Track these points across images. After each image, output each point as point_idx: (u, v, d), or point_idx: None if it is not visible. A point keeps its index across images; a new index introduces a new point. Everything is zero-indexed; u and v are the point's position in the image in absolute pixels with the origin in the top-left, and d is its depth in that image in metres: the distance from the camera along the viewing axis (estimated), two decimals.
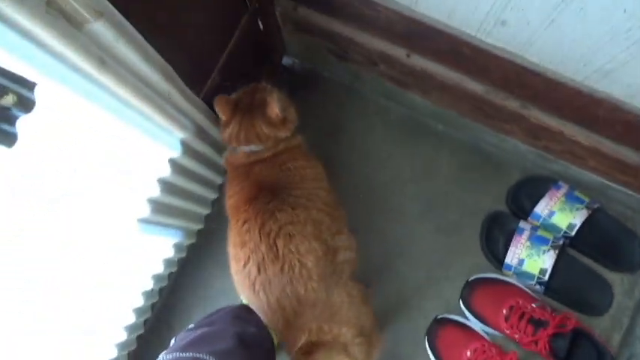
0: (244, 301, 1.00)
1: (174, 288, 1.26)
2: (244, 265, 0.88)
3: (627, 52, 0.73)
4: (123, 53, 0.63)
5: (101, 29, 0.57)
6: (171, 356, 0.62)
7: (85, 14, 0.54)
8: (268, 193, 0.92)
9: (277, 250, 0.85)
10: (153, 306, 1.21)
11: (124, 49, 0.62)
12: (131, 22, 0.63)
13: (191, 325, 0.74)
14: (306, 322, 0.84)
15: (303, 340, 0.83)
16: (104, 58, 0.60)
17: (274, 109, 0.95)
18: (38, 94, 0.55)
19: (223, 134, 1.01)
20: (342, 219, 0.99)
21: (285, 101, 1.01)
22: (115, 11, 0.58)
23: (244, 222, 0.90)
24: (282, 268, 0.84)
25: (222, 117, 0.99)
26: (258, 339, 0.73)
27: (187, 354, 0.62)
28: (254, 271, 0.86)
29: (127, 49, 0.63)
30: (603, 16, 0.68)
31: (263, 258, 0.85)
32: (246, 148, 0.99)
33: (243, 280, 0.89)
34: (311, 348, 0.83)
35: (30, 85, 0.53)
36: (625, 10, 0.65)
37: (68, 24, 0.53)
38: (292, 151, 1.01)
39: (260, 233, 0.86)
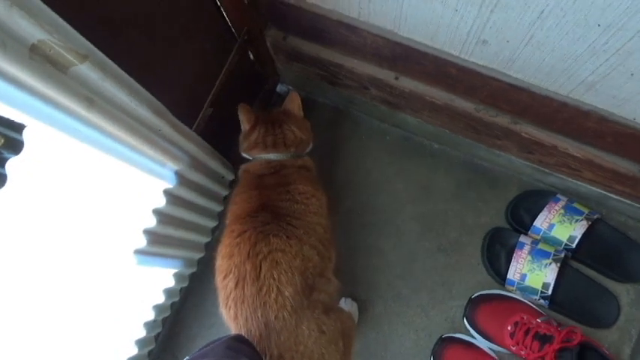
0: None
1: (177, 318, 1.26)
2: (224, 277, 0.89)
3: (607, 64, 0.73)
4: (110, 92, 0.65)
5: (86, 71, 0.59)
6: None
7: (70, 58, 0.56)
8: (269, 215, 0.92)
9: (260, 272, 0.85)
10: (157, 337, 1.21)
11: (110, 89, 0.65)
12: (117, 62, 0.66)
13: (186, 358, 0.74)
14: (267, 346, 0.83)
15: None
16: (92, 98, 0.62)
17: (296, 101, 1.08)
18: (27, 136, 0.56)
19: (246, 142, 1.06)
20: (330, 261, 0.99)
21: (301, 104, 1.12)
22: (100, 53, 0.61)
23: (238, 235, 0.90)
24: (259, 290, 0.85)
25: (246, 124, 1.06)
26: None
27: None
28: (232, 284, 0.87)
29: (114, 88, 0.65)
30: (579, 31, 0.69)
31: (245, 275, 0.86)
32: (266, 156, 1.03)
33: (220, 292, 0.90)
34: None
35: (18, 128, 0.55)
36: (599, 25, 0.67)
37: (53, 68, 0.55)
38: (303, 171, 1.04)
39: (249, 251, 0.87)
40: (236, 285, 0.87)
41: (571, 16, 0.67)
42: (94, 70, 0.60)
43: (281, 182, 0.99)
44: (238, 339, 0.78)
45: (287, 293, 0.85)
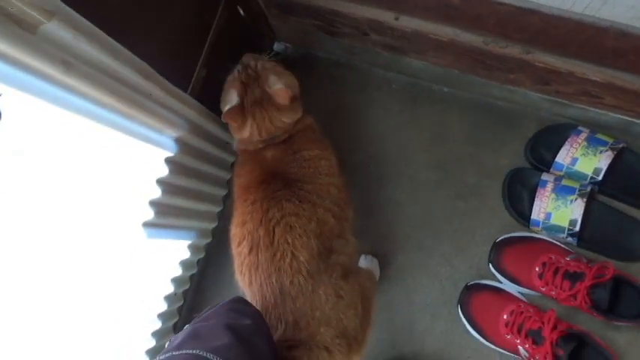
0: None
1: (198, 289, 1.25)
2: (238, 244, 0.87)
3: None
4: (88, 53, 0.61)
5: (56, 30, 0.55)
6: (164, 356, 0.60)
7: (35, 15, 0.52)
8: (280, 181, 0.90)
9: (274, 237, 0.83)
10: (179, 310, 1.21)
11: (87, 49, 0.61)
12: (94, 21, 0.61)
13: (187, 325, 0.72)
14: (283, 313, 0.81)
15: (280, 331, 0.81)
16: (68, 60, 0.59)
17: (284, 95, 0.93)
18: (2, 104, 0.53)
19: (240, 135, 0.98)
20: (347, 221, 0.95)
21: (284, 74, 0.97)
22: (68, 9, 0.56)
23: (251, 202, 0.88)
24: (273, 256, 0.83)
25: (234, 124, 0.97)
26: (253, 330, 0.70)
27: (181, 352, 0.59)
28: (246, 251, 0.85)
29: (91, 48, 0.61)
30: None
31: (258, 241, 0.84)
32: (263, 139, 0.98)
33: (235, 259, 0.89)
34: (294, 343, 0.80)
35: None
36: None
37: (19, 28, 0.51)
38: (306, 133, 0.99)
39: (262, 217, 0.85)
40: (250, 251, 0.85)
41: None
42: (64, 28, 0.56)
43: (285, 151, 0.95)
44: (240, 301, 0.76)
45: (302, 258, 0.83)
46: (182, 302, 1.20)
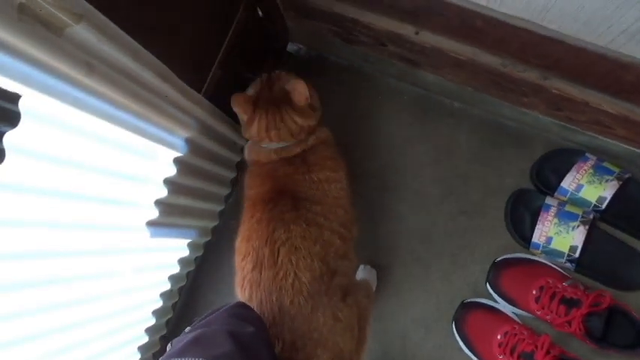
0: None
1: (193, 286, 1.25)
2: (242, 259, 0.88)
3: None
4: (111, 55, 0.60)
5: (83, 32, 0.54)
6: None
7: (64, 18, 0.50)
8: (288, 201, 0.89)
9: (278, 257, 0.84)
10: (174, 306, 1.20)
11: (111, 51, 0.59)
12: (116, 22, 0.60)
13: (187, 328, 0.72)
14: (280, 331, 0.81)
15: (277, 349, 0.81)
16: (91, 63, 0.57)
17: (302, 93, 0.92)
18: (23, 107, 0.52)
19: (248, 132, 0.96)
20: (352, 240, 0.95)
21: (307, 86, 0.95)
22: (97, 12, 0.55)
23: (257, 221, 0.88)
24: (276, 275, 0.83)
25: (244, 115, 0.95)
26: (255, 338, 0.69)
27: (184, 359, 0.59)
28: (249, 267, 0.86)
29: (114, 50, 0.59)
30: None
31: (262, 259, 0.84)
32: (274, 145, 0.96)
33: (237, 272, 0.89)
34: None
35: (13, 98, 0.50)
36: None
37: (46, 30, 0.49)
38: (321, 150, 0.98)
39: (268, 237, 0.85)
40: (253, 268, 0.85)
41: None
42: (91, 31, 0.54)
43: (297, 169, 0.94)
44: (242, 306, 0.76)
45: (304, 279, 0.83)
46: (177, 299, 1.20)
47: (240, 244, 0.90)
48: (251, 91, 0.97)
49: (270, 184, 0.92)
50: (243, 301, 0.87)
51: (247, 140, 1.03)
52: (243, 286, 0.87)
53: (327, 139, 1.01)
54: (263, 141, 0.96)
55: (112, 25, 0.58)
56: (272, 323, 0.82)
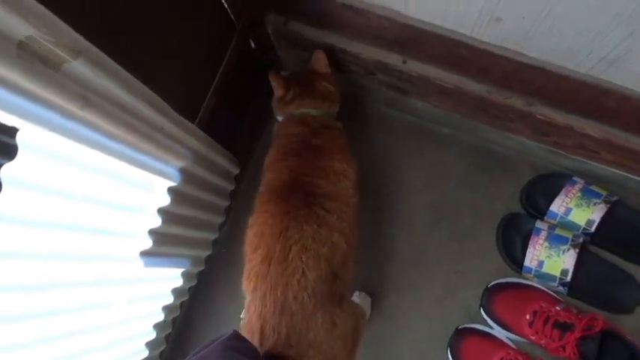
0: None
1: (187, 317, 1.24)
2: (253, 250, 0.89)
3: (632, 38, 0.69)
4: (107, 89, 0.62)
5: (80, 68, 0.55)
6: None
7: (62, 54, 0.52)
8: (302, 196, 0.91)
9: (289, 254, 0.85)
10: (167, 337, 1.19)
11: (107, 85, 0.61)
12: (112, 56, 0.62)
13: None
14: (278, 324, 0.83)
15: (271, 341, 0.82)
16: (87, 96, 0.59)
17: (322, 59, 1.06)
18: (20, 140, 0.53)
19: (282, 102, 1.06)
20: (354, 247, 0.97)
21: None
22: (94, 48, 0.57)
23: (271, 216, 0.89)
24: (284, 270, 0.84)
25: (280, 90, 1.05)
26: None
27: None
28: (259, 259, 0.87)
29: (110, 84, 0.61)
30: (602, 2, 0.65)
31: (273, 254, 0.86)
32: (305, 110, 1.05)
33: (246, 263, 0.91)
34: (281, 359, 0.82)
35: (10, 131, 0.51)
36: None
37: (44, 66, 0.51)
38: (335, 137, 1.04)
39: (281, 234, 0.86)
40: (262, 260, 0.87)
41: None
42: (88, 66, 0.56)
43: (317, 155, 0.97)
44: (236, 337, 0.76)
45: (311, 277, 0.85)
46: (170, 330, 1.18)
47: (251, 236, 0.92)
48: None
49: (287, 175, 0.94)
50: (247, 290, 0.89)
51: (278, 118, 1.10)
52: (249, 277, 0.88)
53: (340, 128, 1.08)
54: (295, 103, 1.05)
55: (108, 59, 0.60)
56: (272, 315, 0.83)
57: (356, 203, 0.98)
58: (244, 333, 0.88)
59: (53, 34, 0.50)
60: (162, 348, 1.16)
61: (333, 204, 0.92)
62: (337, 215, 0.92)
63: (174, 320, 1.19)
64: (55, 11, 0.50)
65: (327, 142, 1.00)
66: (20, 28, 0.47)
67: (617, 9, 0.65)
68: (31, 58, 0.49)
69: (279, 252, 0.85)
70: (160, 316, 1.08)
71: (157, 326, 1.08)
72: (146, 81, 0.71)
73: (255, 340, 0.84)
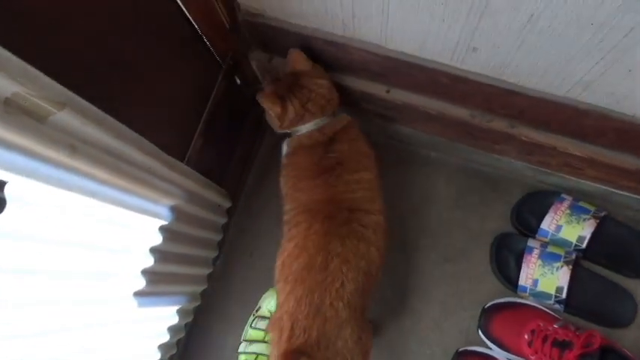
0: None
1: (184, 354, 1.23)
2: (294, 259, 0.90)
3: (603, 63, 0.71)
4: (93, 136, 0.63)
5: (66, 118, 0.56)
6: None
7: (47, 107, 0.53)
8: (343, 213, 0.92)
9: (330, 264, 0.87)
10: None
11: (93, 132, 0.62)
12: (97, 104, 0.63)
13: None
14: (310, 326, 0.84)
15: (301, 339, 0.84)
16: (74, 144, 0.60)
17: (300, 57, 0.97)
18: (9, 193, 0.54)
19: (284, 120, 0.98)
20: (384, 260, 0.98)
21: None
22: (79, 98, 0.58)
23: (315, 232, 0.90)
24: (324, 279, 0.86)
25: (275, 107, 0.96)
26: None
27: None
28: (299, 267, 0.89)
29: (97, 131, 0.62)
30: (571, 32, 0.67)
31: (314, 264, 0.88)
32: (314, 123, 0.99)
33: (282, 268, 0.93)
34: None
35: None
36: (592, 24, 0.65)
37: (30, 119, 0.52)
38: (358, 139, 1.02)
39: (323, 248, 0.88)
40: (303, 268, 0.89)
41: (563, 17, 0.65)
42: (74, 116, 0.57)
43: (344, 168, 0.96)
44: None
45: (348, 288, 0.87)
46: None
47: (291, 248, 0.92)
48: (268, 87, 1.00)
49: (323, 193, 0.94)
50: (281, 290, 0.91)
51: (284, 135, 1.06)
52: (287, 279, 0.89)
53: (352, 121, 1.03)
54: (304, 119, 0.98)
55: (93, 108, 0.61)
56: (305, 316, 0.85)
57: (386, 214, 0.98)
58: (271, 329, 0.91)
59: (38, 89, 0.52)
60: None
61: (369, 217, 0.94)
62: (373, 229, 0.93)
63: (171, 358, 1.17)
64: (40, 67, 0.52)
65: (349, 150, 0.99)
66: (7, 86, 0.48)
67: (586, 39, 0.68)
68: (18, 113, 0.50)
69: (321, 262, 0.87)
70: (157, 356, 1.07)
71: None
72: (132, 125, 0.73)
73: (282, 337, 0.86)
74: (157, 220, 0.88)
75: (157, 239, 0.90)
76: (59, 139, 0.57)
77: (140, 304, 0.90)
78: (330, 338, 0.85)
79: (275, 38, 1.00)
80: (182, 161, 0.93)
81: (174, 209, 0.93)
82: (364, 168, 0.98)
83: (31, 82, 0.50)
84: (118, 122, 0.67)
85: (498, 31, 0.72)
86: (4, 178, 0.53)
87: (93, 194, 0.67)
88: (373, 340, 1.14)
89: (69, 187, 0.62)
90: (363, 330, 0.91)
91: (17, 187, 0.55)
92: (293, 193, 1.00)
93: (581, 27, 0.66)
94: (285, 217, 0.99)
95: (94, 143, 0.64)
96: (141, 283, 0.89)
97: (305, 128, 1.01)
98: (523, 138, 1.01)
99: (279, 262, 0.94)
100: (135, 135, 0.72)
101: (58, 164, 0.59)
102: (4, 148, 0.51)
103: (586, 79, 0.77)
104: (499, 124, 1.01)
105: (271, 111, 0.98)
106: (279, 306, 0.92)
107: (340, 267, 0.88)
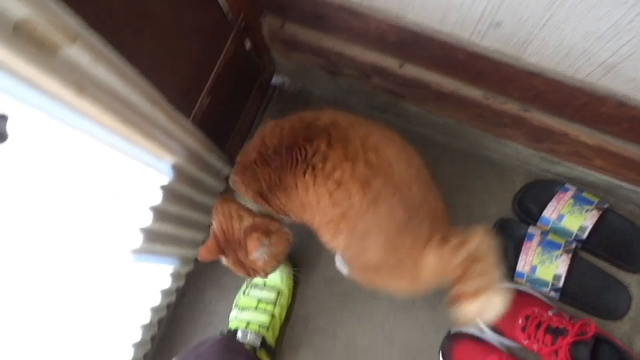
0: None
1: (173, 318, 1.21)
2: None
3: (630, 44, 0.70)
4: (102, 78, 0.60)
5: (77, 54, 0.54)
6: None
7: (58, 39, 0.50)
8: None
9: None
10: (152, 338, 1.16)
11: (103, 74, 0.59)
12: (110, 45, 0.60)
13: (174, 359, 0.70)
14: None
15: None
16: (83, 84, 0.57)
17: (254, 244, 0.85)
18: (11, 126, 0.51)
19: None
20: None
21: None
22: (91, 34, 0.55)
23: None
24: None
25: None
26: None
27: None
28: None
29: (107, 73, 0.59)
30: (604, 9, 0.65)
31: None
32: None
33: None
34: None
35: (0, 118, 0.49)
36: (626, 2, 0.63)
37: (39, 50, 0.49)
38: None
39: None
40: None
41: None
42: (84, 52, 0.54)
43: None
44: (232, 339, 0.74)
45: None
46: (156, 331, 1.16)
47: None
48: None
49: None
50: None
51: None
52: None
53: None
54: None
55: (106, 48, 0.58)
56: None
57: None
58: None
59: (50, 17, 0.49)
60: (147, 349, 1.13)
61: None
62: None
63: (159, 321, 1.16)
64: None
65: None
66: (17, 10, 0.45)
67: (617, 18, 0.66)
68: (27, 41, 0.48)
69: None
70: (147, 317, 1.06)
71: (144, 327, 1.06)
72: (141, 74, 0.70)
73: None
74: (158, 177, 0.86)
75: (157, 198, 0.88)
76: (68, 76, 0.54)
77: (136, 261, 0.88)
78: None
79: (289, 2, 0.97)
80: (187, 118, 0.90)
81: (175, 168, 0.90)
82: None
83: (43, 8, 0.47)
84: (128, 65, 0.64)
85: (527, 3, 0.70)
86: (6, 112, 0.50)
87: (98, 139, 0.65)
88: (364, 316, 1.15)
89: (74, 128, 0.60)
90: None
91: (20, 122, 0.53)
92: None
93: (614, 4, 0.64)
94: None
95: (102, 86, 0.61)
96: (138, 241, 0.87)
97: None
98: (535, 123, 0.99)
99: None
100: (144, 82, 0.69)
101: (64, 102, 0.56)
102: (10, 76, 0.48)
103: (611, 61, 0.75)
104: (512, 107, 0.99)
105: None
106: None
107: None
